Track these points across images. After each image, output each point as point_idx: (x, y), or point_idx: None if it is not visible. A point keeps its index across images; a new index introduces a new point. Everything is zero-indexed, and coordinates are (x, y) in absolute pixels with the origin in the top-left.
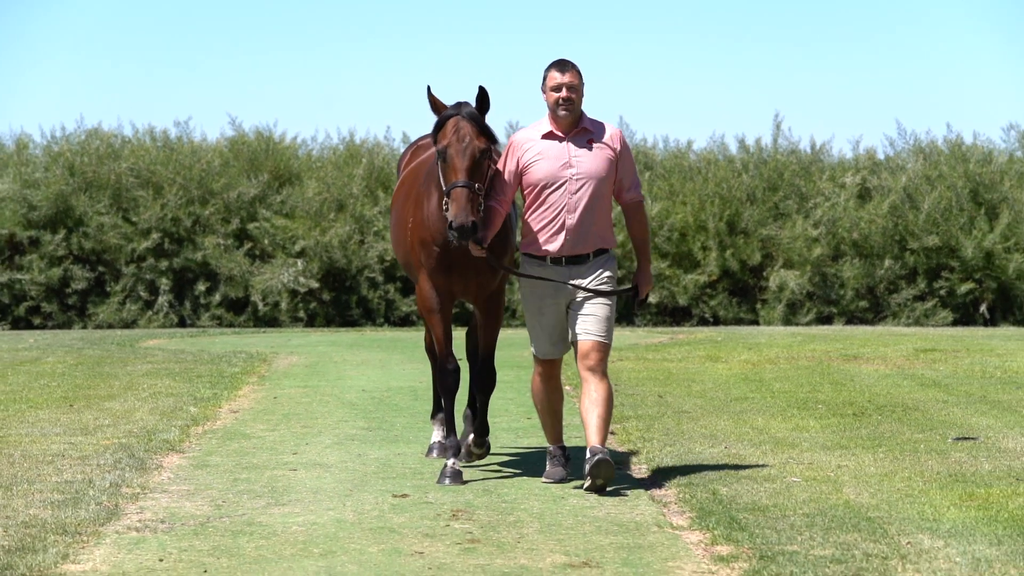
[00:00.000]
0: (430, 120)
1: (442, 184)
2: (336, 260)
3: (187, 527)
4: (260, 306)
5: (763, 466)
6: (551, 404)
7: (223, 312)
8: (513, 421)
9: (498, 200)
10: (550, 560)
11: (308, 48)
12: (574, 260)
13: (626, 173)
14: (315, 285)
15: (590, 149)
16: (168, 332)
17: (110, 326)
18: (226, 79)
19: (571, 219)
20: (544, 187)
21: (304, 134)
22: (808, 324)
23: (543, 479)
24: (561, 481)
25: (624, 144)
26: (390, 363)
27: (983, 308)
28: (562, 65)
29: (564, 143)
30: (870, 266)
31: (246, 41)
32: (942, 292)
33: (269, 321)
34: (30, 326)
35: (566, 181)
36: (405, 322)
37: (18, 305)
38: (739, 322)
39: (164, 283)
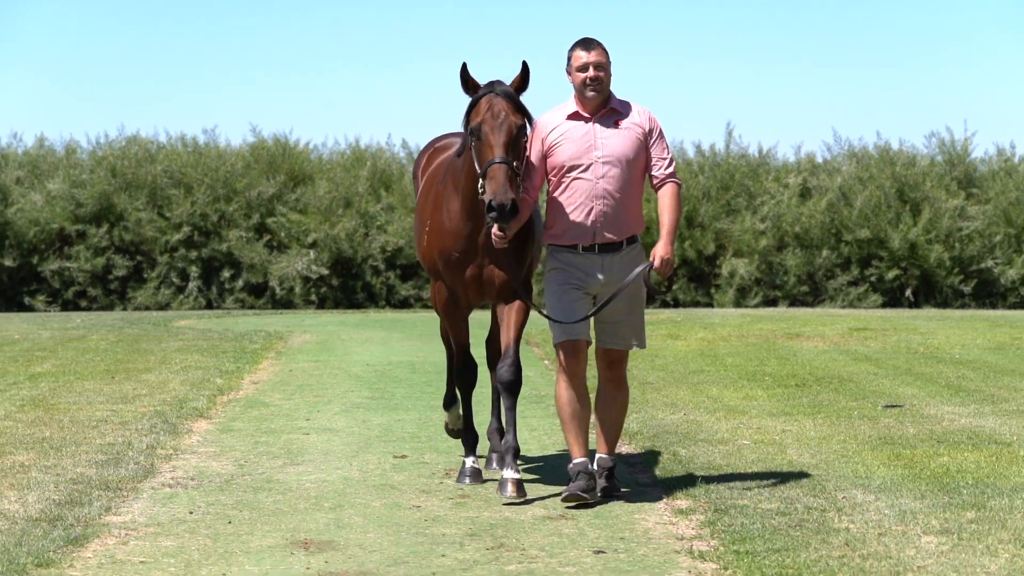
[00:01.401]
0: (429, 126)
1: (476, 166)
2: (343, 250)
3: (213, 484)
4: (277, 290)
5: (717, 431)
6: (578, 408)
7: (245, 296)
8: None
9: (525, 188)
10: (531, 513)
11: (320, 62)
12: (606, 248)
13: (659, 153)
14: (325, 272)
15: (619, 130)
16: (197, 313)
17: (147, 308)
18: (248, 91)
19: (599, 205)
20: (569, 170)
21: (316, 140)
22: (756, 306)
23: (563, 498)
24: (584, 506)
25: (655, 124)
26: (391, 340)
27: (908, 292)
28: (587, 44)
29: (590, 124)
30: (810, 256)
31: (266, 57)
32: (872, 278)
33: (285, 304)
34: (77, 308)
35: (592, 164)
36: (404, 304)
37: (67, 290)
38: (696, 304)
39: (194, 271)
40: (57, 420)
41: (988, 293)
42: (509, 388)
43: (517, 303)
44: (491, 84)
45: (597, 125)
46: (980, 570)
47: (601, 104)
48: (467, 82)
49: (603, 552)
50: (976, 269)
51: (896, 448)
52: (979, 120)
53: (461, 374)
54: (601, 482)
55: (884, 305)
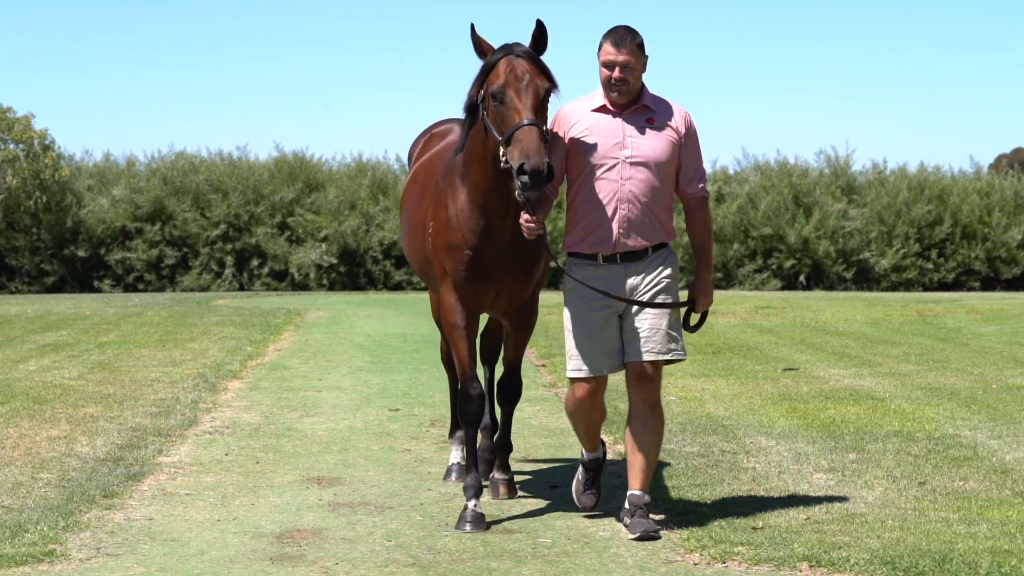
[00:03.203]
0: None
1: (495, 134)
2: (349, 244)
3: (244, 431)
4: (296, 276)
5: None
6: (592, 420)
7: (270, 280)
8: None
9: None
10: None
11: (331, 91)
12: (630, 256)
13: (691, 162)
14: (334, 261)
15: (650, 128)
16: (232, 295)
17: (191, 290)
18: (273, 115)
19: (624, 209)
20: (593, 169)
21: (327, 155)
22: (682, 289)
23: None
24: (592, 508)
25: (691, 128)
26: (387, 316)
27: (802, 278)
28: (618, 39)
29: (618, 119)
30: (724, 248)
31: (288, 87)
32: (773, 267)
33: (302, 287)
34: (136, 290)
35: (618, 164)
36: (398, 287)
37: (128, 275)
38: None
39: (229, 260)
40: (119, 379)
41: (865, 279)
42: (509, 400)
43: (528, 319)
44: (507, 46)
45: (626, 122)
46: (859, 500)
47: (633, 99)
48: (479, 45)
49: (557, 487)
50: (856, 259)
51: (793, 403)
52: (858, 139)
53: (465, 404)
54: (638, 520)
55: (783, 288)
